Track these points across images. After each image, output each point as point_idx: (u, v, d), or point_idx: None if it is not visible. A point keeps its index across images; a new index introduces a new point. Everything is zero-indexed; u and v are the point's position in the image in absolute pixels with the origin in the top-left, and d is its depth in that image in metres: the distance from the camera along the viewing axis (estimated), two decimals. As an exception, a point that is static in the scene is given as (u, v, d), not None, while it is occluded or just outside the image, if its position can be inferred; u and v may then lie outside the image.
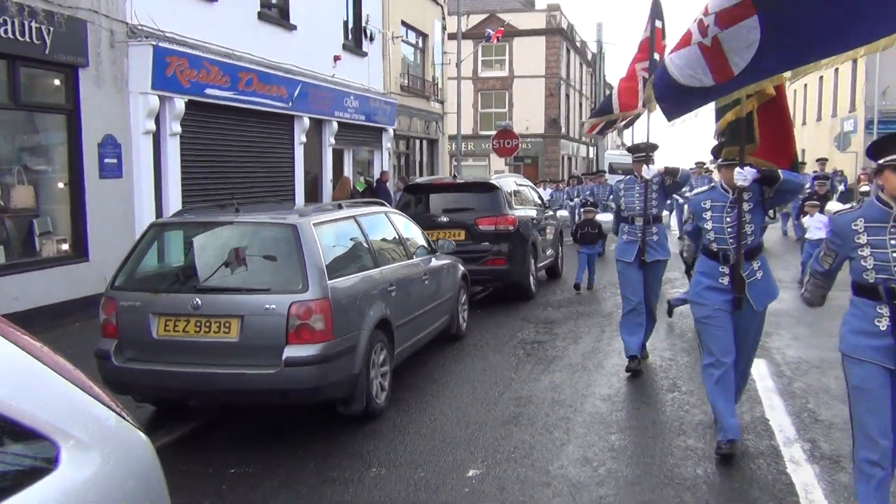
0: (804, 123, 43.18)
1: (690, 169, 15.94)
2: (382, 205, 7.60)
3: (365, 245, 6.32)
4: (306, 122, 14.26)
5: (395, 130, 19.13)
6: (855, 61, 33.40)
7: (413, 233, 7.67)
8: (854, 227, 3.52)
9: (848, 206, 3.89)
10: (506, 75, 37.60)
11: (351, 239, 6.21)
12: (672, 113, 4.91)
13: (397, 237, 7.11)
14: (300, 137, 14.25)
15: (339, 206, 6.55)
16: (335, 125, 15.61)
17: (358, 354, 5.52)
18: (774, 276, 5.09)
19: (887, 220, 3.44)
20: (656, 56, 7.45)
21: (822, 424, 5.24)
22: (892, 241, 3.42)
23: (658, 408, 5.83)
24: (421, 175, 21.81)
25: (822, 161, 19.70)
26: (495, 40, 25.55)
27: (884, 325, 3.45)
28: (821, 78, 39.48)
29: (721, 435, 4.69)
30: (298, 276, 5.22)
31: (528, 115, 36.47)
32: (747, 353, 5.02)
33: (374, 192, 15.46)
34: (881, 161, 3.47)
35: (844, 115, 34.73)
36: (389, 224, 7.08)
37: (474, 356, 7.69)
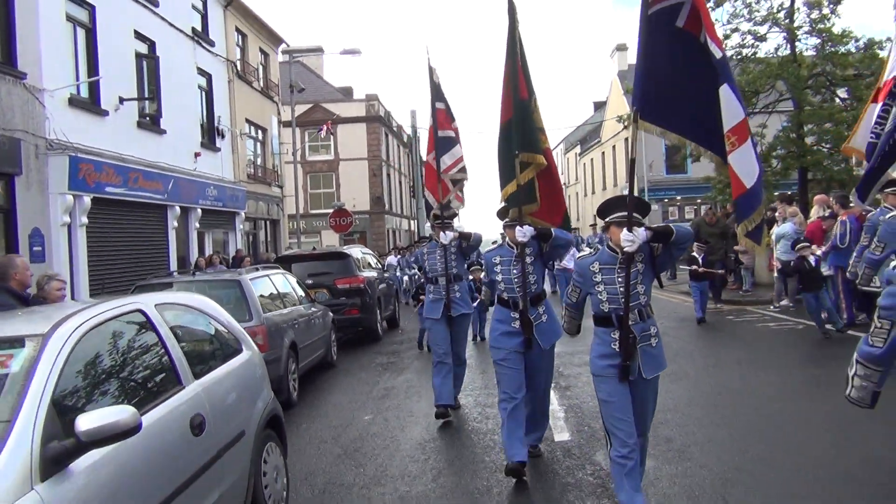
0: (593, 192, 50.01)
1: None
2: (278, 269, 10.65)
3: (277, 294, 9.39)
4: (177, 210, 16.88)
5: (245, 213, 21.91)
6: (627, 140, 40.30)
7: (299, 288, 10.76)
8: (592, 269, 4.35)
9: (587, 252, 4.63)
10: (332, 158, 41.18)
11: (268, 289, 9.25)
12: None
13: (292, 290, 10.19)
14: (173, 223, 16.83)
15: (257, 269, 9.58)
16: (199, 211, 18.26)
17: (282, 363, 8.51)
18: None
19: (615, 263, 4.29)
20: (449, 133, 8.16)
21: (572, 391, 8.86)
22: (619, 279, 4.24)
23: (476, 383, 9.22)
24: (267, 251, 24.53)
25: (593, 225, 24.77)
26: (328, 128, 29.05)
27: (616, 346, 4.26)
28: (603, 153, 46.41)
29: (508, 458, 5.38)
30: (245, 311, 8.20)
31: (354, 194, 40.00)
32: (543, 387, 5.71)
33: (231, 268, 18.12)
34: (607, 219, 4.36)
35: (622, 185, 40.99)
36: (286, 281, 10.16)
37: (347, 373, 10.79)
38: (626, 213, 4.22)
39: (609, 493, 4.94)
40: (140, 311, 3.95)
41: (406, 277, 20.25)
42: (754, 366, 9.11)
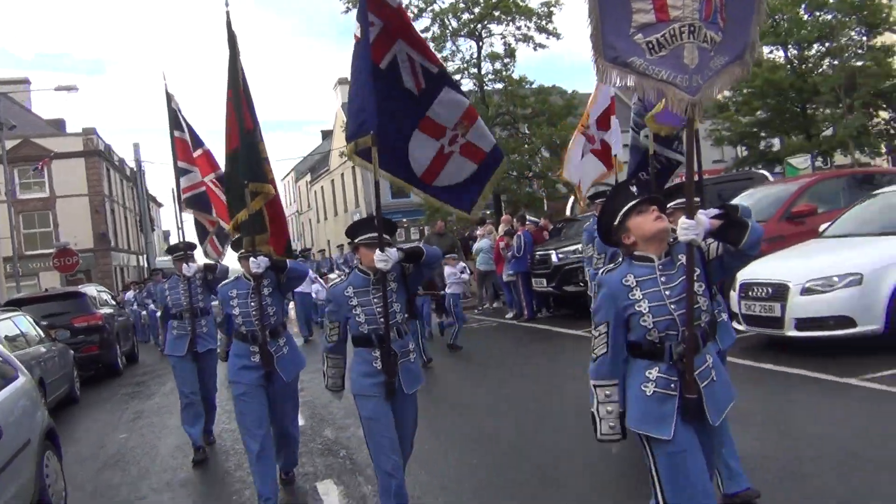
0: (325, 218, 51.89)
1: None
2: (17, 310, 10.96)
3: (21, 334, 9.85)
4: None
5: (-45, 259, 20.66)
6: (354, 168, 42.72)
7: (40, 327, 11.16)
8: (347, 294, 4.36)
9: (339, 278, 4.69)
10: (47, 196, 38.84)
11: (11, 330, 9.70)
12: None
13: (34, 329, 10.62)
14: None
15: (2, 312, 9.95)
16: None
17: (31, 397, 9.07)
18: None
19: (369, 285, 4.35)
20: (185, 164, 7.94)
21: (306, 390, 10.33)
22: (375, 300, 4.30)
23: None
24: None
25: (340, 246, 26.41)
26: (42, 167, 27.83)
27: (378, 364, 4.29)
28: (332, 181, 48.41)
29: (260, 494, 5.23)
30: (-7, 352, 8.68)
31: (75, 232, 37.98)
32: (289, 421, 5.67)
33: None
34: (356, 240, 4.42)
35: (353, 210, 43.18)
36: (28, 321, 10.58)
37: (94, 405, 11.35)
38: (376, 234, 4.34)
39: (332, 452, 6.55)
40: (-63, 345, 4.84)
41: (144, 312, 20.47)
42: (449, 358, 11.31)
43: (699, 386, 3.10)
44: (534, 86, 21.60)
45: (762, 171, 16.10)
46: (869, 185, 11.36)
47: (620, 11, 3.12)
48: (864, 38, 23.54)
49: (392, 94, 4.54)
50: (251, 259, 5.38)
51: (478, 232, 17.86)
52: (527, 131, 22.02)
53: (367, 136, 4.39)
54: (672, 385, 3.10)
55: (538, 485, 5.30)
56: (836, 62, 22.71)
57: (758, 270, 8.28)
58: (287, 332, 5.69)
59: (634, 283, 3.14)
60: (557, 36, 21.11)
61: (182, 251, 7.40)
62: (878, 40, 23.45)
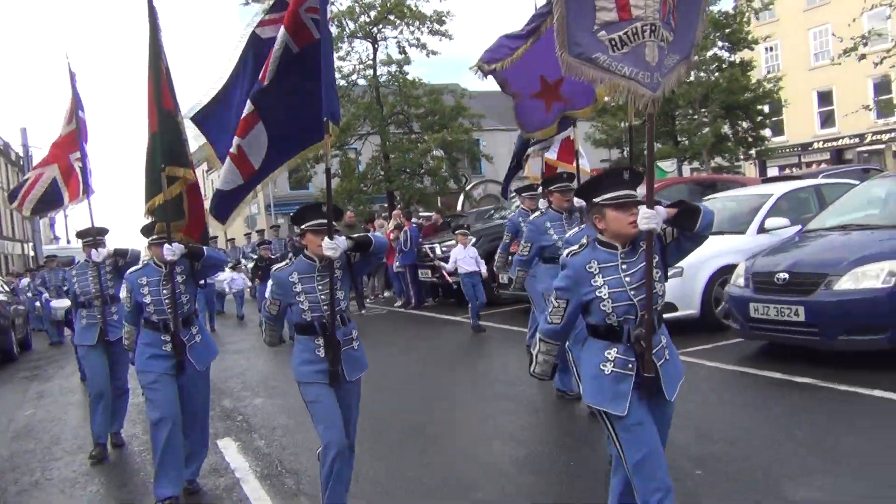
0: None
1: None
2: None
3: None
4: None
5: None
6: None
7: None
8: (291, 279, 4.31)
9: (285, 263, 4.54)
10: (-76, 180, 37.28)
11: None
12: (224, 215, 4.95)
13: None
14: None
15: None
16: None
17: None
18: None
19: (314, 272, 4.30)
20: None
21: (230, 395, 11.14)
22: (320, 287, 4.28)
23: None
24: None
25: (248, 234, 26.59)
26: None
27: (321, 352, 4.27)
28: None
29: (156, 496, 5.10)
30: None
31: (-45, 218, 36.80)
32: (200, 411, 5.48)
33: None
34: (303, 227, 4.28)
35: (249, 200, 43.10)
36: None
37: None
38: (324, 221, 4.27)
39: (230, 417, 7.50)
40: None
41: (38, 303, 20.44)
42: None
43: (657, 365, 3.32)
44: (426, 87, 22.78)
45: (626, 175, 17.74)
46: (712, 190, 13.10)
47: (585, 9, 3.22)
48: (728, 55, 25.98)
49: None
50: (166, 246, 5.21)
51: (372, 224, 18.92)
52: (419, 131, 23.18)
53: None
54: (629, 365, 3.31)
55: (417, 441, 6.35)
56: (702, 75, 24.95)
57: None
58: (199, 320, 5.60)
59: (597, 270, 3.34)
60: (450, 37, 22.36)
61: (92, 236, 7.08)
62: (738, 56, 25.94)
